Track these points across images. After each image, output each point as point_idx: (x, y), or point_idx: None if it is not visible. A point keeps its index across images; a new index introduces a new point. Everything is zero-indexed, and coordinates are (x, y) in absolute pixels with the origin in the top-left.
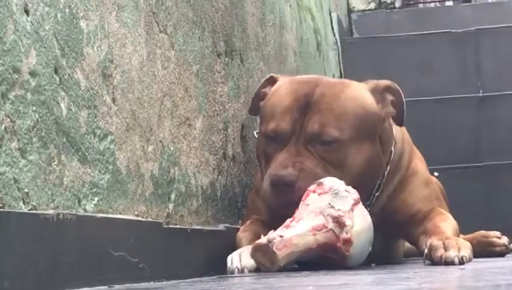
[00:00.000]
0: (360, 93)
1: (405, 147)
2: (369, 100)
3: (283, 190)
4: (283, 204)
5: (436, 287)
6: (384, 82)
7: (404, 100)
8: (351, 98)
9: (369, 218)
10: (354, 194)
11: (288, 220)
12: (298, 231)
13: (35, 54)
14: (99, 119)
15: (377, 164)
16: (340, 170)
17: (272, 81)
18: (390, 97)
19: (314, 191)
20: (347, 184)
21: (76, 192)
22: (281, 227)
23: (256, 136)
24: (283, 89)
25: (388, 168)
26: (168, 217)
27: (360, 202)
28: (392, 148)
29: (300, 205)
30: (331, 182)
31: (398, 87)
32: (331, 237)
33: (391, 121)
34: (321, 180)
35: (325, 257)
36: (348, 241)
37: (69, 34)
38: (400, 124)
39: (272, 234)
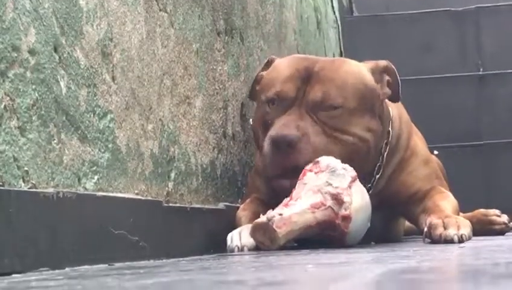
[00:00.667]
0: (360, 70)
1: (403, 127)
2: (369, 78)
3: (284, 149)
4: (282, 168)
5: (436, 265)
6: (382, 62)
7: (399, 80)
8: (351, 72)
9: (366, 195)
10: (351, 171)
11: (286, 199)
12: (297, 209)
13: (34, 32)
14: (99, 98)
15: (376, 140)
16: (340, 140)
17: (269, 63)
18: (387, 78)
19: (311, 170)
20: (345, 156)
21: (76, 170)
22: (279, 206)
23: (252, 126)
24: (283, 62)
25: (387, 149)
26: (168, 195)
27: (357, 180)
28: (390, 129)
29: (297, 184)
30: (327, 160)
31: (394, 67)
32: (329, 214)
33: (387, 102)
34: (317, 159)
35: (324, 234)
36: (346, 218)
37: (68, 12)
38: (395, 100)
39: (271, 213)
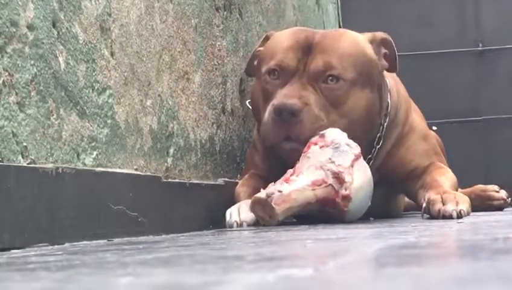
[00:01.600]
0: (360, 41)
1: (401, 101)
2: (369, 49)
3: (286, 118)
4: (283, 136)
5: (434, 240)
6: (380, 34)
7: (396, 51)
8: (351, 43)
9: (369, 172)
10: (355, 148)
11: (289, 172)
12: (298, 185)
13: (32, 7)
14: (98, 73)
15: (375, 111)
16: (341, 111)
17: (267, 39)
18: (384, 50)
19: (315, 143)
20: (346, 126)
21: (75, 146)
22: (280, 180)
23: (249, 105)
24: (283, 34)
25: (387, 120)
26: (167, 171)
27: (361, 157)
28: (389, 101)
29: (301, 157)
30: (333, 134)
31: (391, 39)
32: (330, 192)
33: (385, 74)
34: (323, 131)
35: (324, 211)
36: (346, 198)
37: None
38: (393, 71)
39: (271, 189)
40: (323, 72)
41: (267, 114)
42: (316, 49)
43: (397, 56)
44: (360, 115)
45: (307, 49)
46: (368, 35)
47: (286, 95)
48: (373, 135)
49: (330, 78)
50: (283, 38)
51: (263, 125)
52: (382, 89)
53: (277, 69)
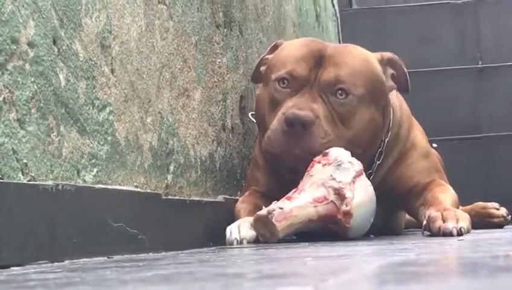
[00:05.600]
0: (370, 58)
1: (403, 118)
2: (378, 68)
3: (297, 130)
4: (292, 147)
5: (434, 258)
6: (387, 55)
7: (406, 70)
8: (363, 59)
9: (371, 189)
10: (357, 165)
11: (292, 191)
12: (299, 202)
13: (33, 24)
14: (98, 90)
15: (379, 128)
16: (347, 126)
17: (276, 48)
18: (391, 71)
19: (319, 162)
20: (350, 141)
21: (75, 163)
22: (283, 198)
23: (251, 118)
24: (295, 43)
25: (389, 136)
26: (167, 188)
27: (363, 174)
28: (391, 117)
29: (305, 176)
30: (336, 152)
31: (399, 60)
32: (332, 208)
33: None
34: (327, 150)
35: (327, 228)
36: (347, 214)
37: (67, 5)
38: (405, 91)
39: (272, 206)
40: (334, 84)
41: (275, 122)
42: (328, 62)
43: (408, 76)
44: (364, 131)
45: (319, 60)
46: (376, 54)
47: (297, 106)
48: (374, 151)
49: (339, 92)
50: (295, 48)
51: (270, 132)
52: (387, 109)
53: (288, 78)
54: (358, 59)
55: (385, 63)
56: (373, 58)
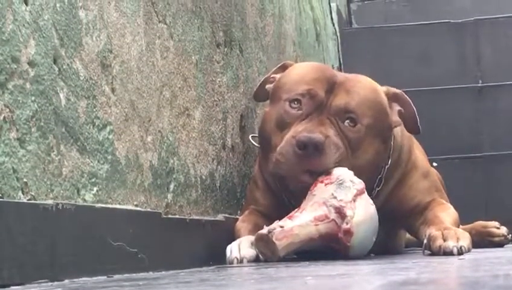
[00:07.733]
0: (378, 90)
1: (404, 141)
2: (385, 101)
3: (309, 152)
4: (303, 170)
5: (435, 277)
6: (393, 90)
7: (414, 109)
8: (372, 90)
9: (373, 208)
10: (358, 184)
11: (294, 210)
12: (300, 221)
13: (34, 43)
14: (98, 110)
15: (381, 160)
16: (353, 153)
17: (284, 68)
18: (397, 107)
19: (322, 181)
20: (353, 169)
21: (75, 182)
22: (285, 217)
23: (252, 140)
24: (307, 65)
25: (389, 162)
26: (167, 207)
27: (365, 193)
28: (392, 143)
29: (307, 195)
30: (339, 172)
31: (407, 97)
32: (333, 227)
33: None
34: (331, 170)
35: (328, 246)
36: (348, 232)
37: (68, 24)
38: (416, 132)
39: (273, 225)
40: (344, 112)
41: (284, 145)
42: (339, 88)
43: (417, 116)
44: (367, 161)
45: (331, 85)
46: (382, 88)
47: (306, 130)
48: (374, 178)
49: (349, 120)
50: (308, 69)
51: (279, 155)
52: (389, 140)
53: (300, 99)
54: (368, 89)
55: (390, 96)
56: (380, 90)
